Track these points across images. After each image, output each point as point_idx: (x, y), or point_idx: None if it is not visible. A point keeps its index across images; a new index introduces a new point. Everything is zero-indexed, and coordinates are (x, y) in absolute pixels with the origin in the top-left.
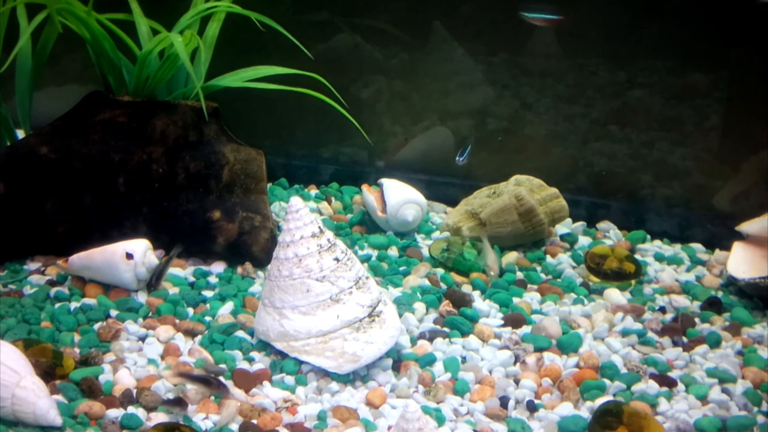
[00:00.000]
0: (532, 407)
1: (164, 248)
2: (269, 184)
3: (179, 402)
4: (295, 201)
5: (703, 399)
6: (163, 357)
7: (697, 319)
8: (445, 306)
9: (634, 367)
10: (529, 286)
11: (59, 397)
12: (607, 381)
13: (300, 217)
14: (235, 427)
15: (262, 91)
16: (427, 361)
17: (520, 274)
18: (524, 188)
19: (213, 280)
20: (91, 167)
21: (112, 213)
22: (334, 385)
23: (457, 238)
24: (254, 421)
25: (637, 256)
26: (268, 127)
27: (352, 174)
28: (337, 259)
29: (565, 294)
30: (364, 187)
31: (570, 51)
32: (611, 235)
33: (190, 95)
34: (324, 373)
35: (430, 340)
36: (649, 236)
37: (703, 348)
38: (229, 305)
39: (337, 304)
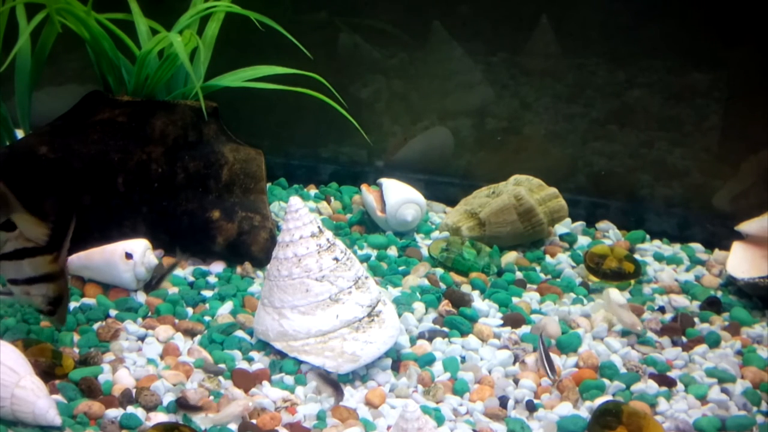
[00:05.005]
0: (531, 407)
1: (164, 248)
2: (268, 184)
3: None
4: (295, 201)
5: (703, 399)
6: (162, 357)
7: (696, 319)
8: (445, 306)
9: (634, 366)
10: (528, 285)
11: (58, 397)
12: (606, 381)
13: (299, 217)
14: (234, 426)
15: (261, 91)
16: (427, 360)
17: (519, 274)
18: (523, 188)
19: (212, 279)
20: (90, 167)
21: (111, 213)
22: None
23: (457, 237)
24: (253, 421)
25: (637, 256)
26: (267, 127)
27: (351, 174)
28: (336, 259)
29: (564, 294)
30: (364, 187)
31: (569, 51)
32: (610, 234)
33: (190, 95)
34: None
35: (430, 339)
36: (648, 236)
37: (702, 348)
38: (228, 305)
39: (337, 303)
